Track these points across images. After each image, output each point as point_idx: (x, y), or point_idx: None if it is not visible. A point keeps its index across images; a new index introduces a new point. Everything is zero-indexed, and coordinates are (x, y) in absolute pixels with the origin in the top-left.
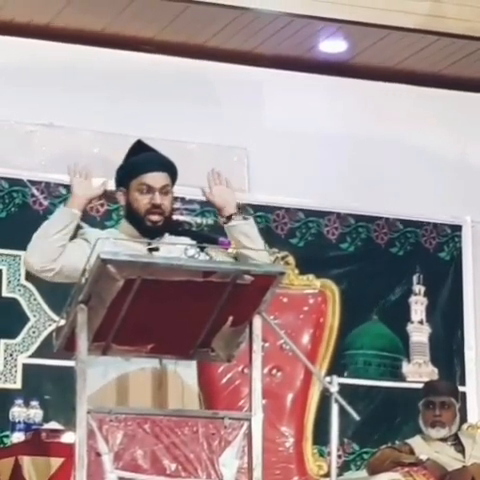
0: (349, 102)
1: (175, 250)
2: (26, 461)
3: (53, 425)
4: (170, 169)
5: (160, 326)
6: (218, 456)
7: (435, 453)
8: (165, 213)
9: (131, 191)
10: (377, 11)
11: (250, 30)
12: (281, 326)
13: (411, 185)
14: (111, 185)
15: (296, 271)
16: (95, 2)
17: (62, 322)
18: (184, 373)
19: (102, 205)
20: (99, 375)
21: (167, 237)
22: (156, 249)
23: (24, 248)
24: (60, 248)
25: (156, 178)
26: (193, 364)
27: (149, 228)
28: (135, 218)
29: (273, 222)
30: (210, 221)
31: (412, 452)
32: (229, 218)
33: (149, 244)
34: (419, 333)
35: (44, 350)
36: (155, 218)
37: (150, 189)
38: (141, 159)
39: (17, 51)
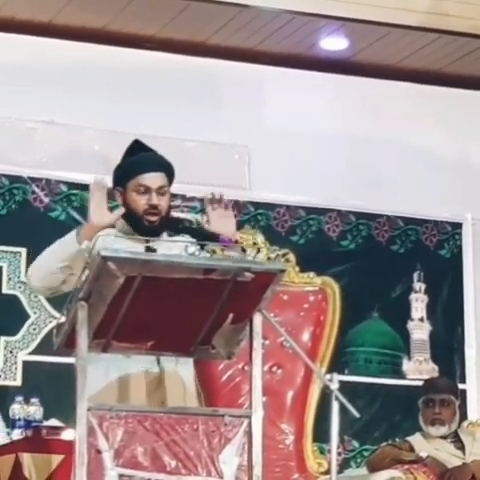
0: (350, 100)
1: (175, 247)
2: (26, 458)
3: (53, 422)
4: (167, 169)
5: (160, 323)
6: (218, 453)
7: (435, 450)
8: (162, 213)
9: (128, 191)
10: (378, 9)
11: (251, 28)
12: (281, 324)
13: (412, 182)
14: (110, 182)
15: (297, 269)
16: (96, 0)
17: (62, 319)
18: (184, 373)
19: None
20: (100, 376)
21: (165, 237)
22: (153, 250)
23: (24, 245)
24: (61, 277)
25: (153, 179)
26: (191, 365)
27: (146, 228)
28: (133, 218)
29: (274, 220)
30: None
31: (412, 449)
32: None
33: (147, 241)
34: (420, 330)
35: (44, 347)
36: (152, 218)
37: (147, 190)
38: (138, 159)
39: (18, 49)
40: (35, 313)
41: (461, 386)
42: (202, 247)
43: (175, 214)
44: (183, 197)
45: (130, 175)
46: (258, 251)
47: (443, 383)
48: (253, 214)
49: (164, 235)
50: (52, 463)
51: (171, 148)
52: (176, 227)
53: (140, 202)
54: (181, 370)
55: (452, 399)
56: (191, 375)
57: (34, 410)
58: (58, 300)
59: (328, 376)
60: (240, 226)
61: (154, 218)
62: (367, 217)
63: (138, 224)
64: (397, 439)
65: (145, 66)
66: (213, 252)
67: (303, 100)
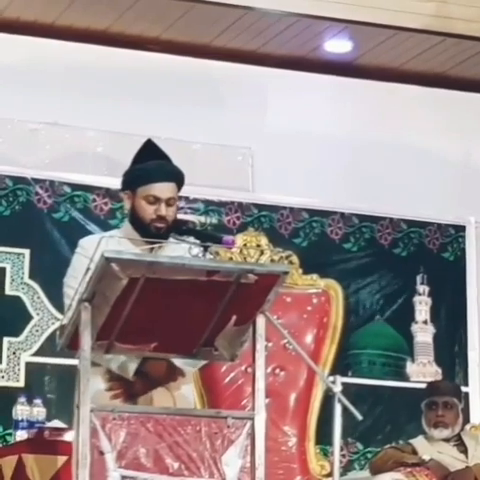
0: (354, 102)
1: (179, 249)
2: (29, 459)
3: (56, 423)
4: (178, 178)
5: (164, 325)
6: (221, 455)
7: (438, 453)
8: (169, 222)
9: (137, 198)
10: (382, 11)
11: (255, 30)
12: (284, 326)
13: (415, 185)
14: (113, 183)
15: (300, 271)
16: (100, 1)
17: (66, 321)
18: (178, 391)
19: (106, 203)
20: None
21: (171, 239)
22: None
23: (28, 246)
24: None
25: (163, 189)
26: (188, 383)
27: (153, 235)
28: (139, 224)
29: (277, 222)
30: (214, 220)
31: (415, 452)
32: None
33: (152, 243)
34: (423, 333)
35: (47, 348)
36: (159, 226)
37: (157, 200)
38: (151, 167)
39: (22, 50)
40: (38, 314)
41: (464, 389)
42: (205, 249)
43: (179, 216)
44: (187, 199)
45: (141, 182)
46: (261, 253)
47: (446, 386)
48: (256, 216)
49: (169, 238)
50: (55, 464)
51: (174, 150)
52: (180, 229)
53: (148, 211)
54: (173, 388)
55: (455, 402)
56: (189, 394)
57: (37, 411)
58: (61, 302)
59: (331, 378)
60: (243, 228)
61: (161, 226)
62: (370, 220)
63: (144, 230)
64: (400, 441)
65: (148, 68)
66: (216, 254)
67: (307, 102)
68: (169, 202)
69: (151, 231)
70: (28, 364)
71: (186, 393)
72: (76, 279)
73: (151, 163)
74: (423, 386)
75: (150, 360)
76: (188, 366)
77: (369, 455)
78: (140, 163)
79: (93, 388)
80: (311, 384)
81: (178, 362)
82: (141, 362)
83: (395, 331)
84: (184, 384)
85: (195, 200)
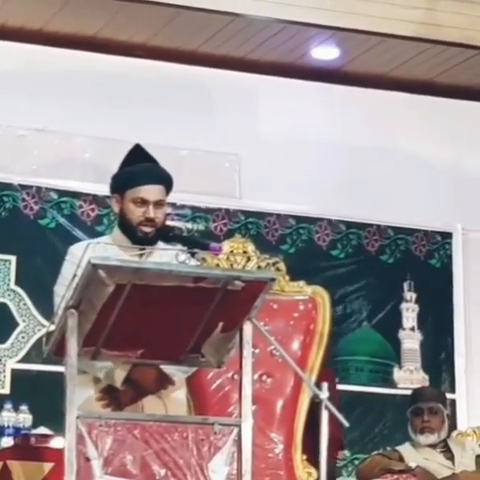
0: (341, 109)
1: (166, 255)
2: (15, 466)
3: (42, 430)
4: (166, 181)
5: (150, 331)
6: (207, 462)
7: (424, 460)
8: (157, 225)
9: (125, 201)
10: (370, 18)
11: (243, 36)
12: (271, 332)
13: (402, 192)
14: (100, 190)
15: (287, 277)
16: (88, 7)
17: (52, 327)
18: (168, 399)
19: (92, 210)
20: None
21: (159, 245)
22: None
23: (14, 252)
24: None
25: (151, 192)
26: (181, 389)
27: (140, 238)
28: (127, 228)
29: (264, 228)
30: (201, 227)
31: (402, 459)
32: None
33: (141, 249)
34: (410, 340)
35: (33, 355)
36: (147, 230)
37: (145, 202)
38: (139, 170)
39: (9, 55)
40: (24, 321)
41: (451, 395)
42: (192, 255)
43: (166, 222)
44: (174, 205)
45: (129, 185)
46: (248, 260)
47: (431, 392)
48: (243, 223)
49: (159, 244)
50: (42, 471)
51: (162, 156)
52: (166, 235)
53: (136, 214)
54: (164, 396)
55: (440, 407)
56: (181, 401)
57: (23, 418)
58: (47, 308)
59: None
60: (230, 235)
61: (149, 229)
62: (357, 226)
63: (132, 234)
64: (388, 448)
65: (136, 74)
66: (203, 260)
67: (294, 109)
68: (157, 205)
69: (138, 235)
70: (14, 371)
71: (179, 399)
72: (65, 287)
73: (139, 166)
74: (410, 393)
75: (139, 368)
76: (180, 372)
77: (356, 462)
78: (128, 166)
79: (84, 396)
80: (298, 391)
81: (171, 368)
82: (130, 370)
83: (382, 338)
84: (176, 390)
85: (182, 206)
